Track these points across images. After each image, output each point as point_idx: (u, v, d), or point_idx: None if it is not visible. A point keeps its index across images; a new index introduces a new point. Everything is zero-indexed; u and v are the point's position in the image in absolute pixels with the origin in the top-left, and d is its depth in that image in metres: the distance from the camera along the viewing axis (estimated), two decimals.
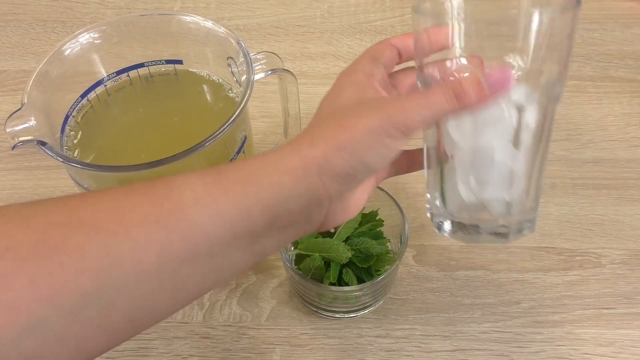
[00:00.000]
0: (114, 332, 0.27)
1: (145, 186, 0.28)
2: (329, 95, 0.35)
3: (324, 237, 0.47)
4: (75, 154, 0.42)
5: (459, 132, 0.34)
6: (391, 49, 0.36)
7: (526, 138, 0.33)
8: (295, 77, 0.46)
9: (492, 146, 0.34)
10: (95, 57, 0.44)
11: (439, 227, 0.37)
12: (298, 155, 0.30)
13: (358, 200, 0.34)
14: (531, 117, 0.33)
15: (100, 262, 0.25)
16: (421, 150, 0.37)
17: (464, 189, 0.35)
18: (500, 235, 0.36)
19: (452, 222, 0.36)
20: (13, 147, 0.37)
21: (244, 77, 0.41)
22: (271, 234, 0.30)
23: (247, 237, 0.29)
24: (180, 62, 0.46)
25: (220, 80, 0.46)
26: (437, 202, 0.37)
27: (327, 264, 0.46)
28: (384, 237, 0.48)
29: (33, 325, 0.24)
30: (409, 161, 0.38)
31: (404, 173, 0.38)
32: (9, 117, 0.37)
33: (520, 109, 0.33)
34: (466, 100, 0.31)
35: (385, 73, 0.36)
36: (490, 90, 0.31)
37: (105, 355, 0.48)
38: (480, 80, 0.31)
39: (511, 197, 0.35)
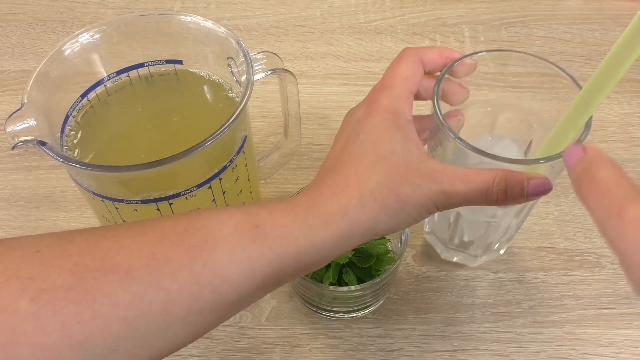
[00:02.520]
0: None
1: (180, 232, 0.28)
2: (367, 127, 0.34)
3: None
4: (75, 154, 0.42)
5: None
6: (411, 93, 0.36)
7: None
8: (295, 77, 0.46)
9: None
10: (95, 57, 0.44)
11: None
12: (346, 219, 0.30)
13: None
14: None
15: (131, 311, 0.26)
16: None
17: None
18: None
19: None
20: (13, 147, 0.37)
21: (244, 77, 0.41)
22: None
23: (275, 286, 0.30)
24: (180, 62, 0.46)
25: (220, 80, 0.46)
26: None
27: (327, 264, 0.46)
28: (384, 237, 0.48)
29: None
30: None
31: None
32: (9, 117, 0.37)
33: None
34: (507, 202, 0.32)
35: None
36: (529, 195, 0.32)
37: None
38: (523, 189, 0.32)
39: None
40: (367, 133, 0.33)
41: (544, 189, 0.32)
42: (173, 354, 0.46)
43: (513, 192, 0.32)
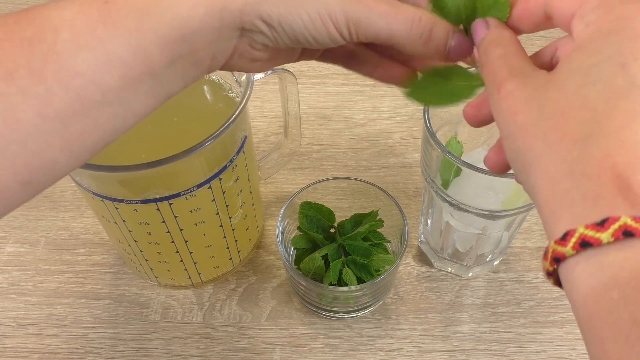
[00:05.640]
0: (6, 197, 0.26)
1: (9, 24, 0.23)
2: None
3: (326, 239, 0.47)
4: None
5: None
6: None
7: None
8: (295, 77, 0.46)
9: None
10: None
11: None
12: None
13: (271, 58, 0.29)
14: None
15: None
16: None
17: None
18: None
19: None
20: None
21: (244, 77, 0.41)
22: (174, 75, 0.26)
23: (147, 80, 0.25)
24: None
25: (220, 80, 0.46)
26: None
27: (327, 264, 0.46)
28: (384, 237, 0.48)
29: None
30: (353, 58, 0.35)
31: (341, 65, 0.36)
32: None
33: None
34: (427, 46, 0.28)
35: None
36: (450, 53, 0.29)
37: (104, 355, 0.48)
38: (448, 35, 0.28)
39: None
40: None
41: (466, 45, 0.29)
42: (173, 354, 0.46)
43: (438, 34, 0.28)
